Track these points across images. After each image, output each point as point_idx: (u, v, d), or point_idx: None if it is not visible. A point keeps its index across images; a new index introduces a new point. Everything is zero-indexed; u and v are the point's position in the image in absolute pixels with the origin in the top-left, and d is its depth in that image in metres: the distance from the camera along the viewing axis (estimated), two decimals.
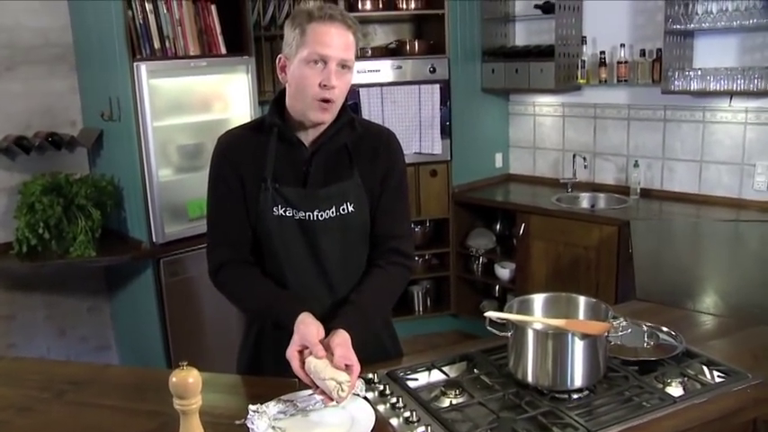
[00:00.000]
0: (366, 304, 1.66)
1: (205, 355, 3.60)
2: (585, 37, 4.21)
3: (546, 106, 4.62)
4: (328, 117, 1.67)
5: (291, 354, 1.51)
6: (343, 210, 1.71)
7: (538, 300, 1.72)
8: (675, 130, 4.00)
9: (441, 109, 4.35)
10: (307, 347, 1.51)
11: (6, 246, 3.46)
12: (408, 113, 4.31)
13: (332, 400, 1.44)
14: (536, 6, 4.29)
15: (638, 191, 4.09)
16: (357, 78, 3.96)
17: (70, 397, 1.66)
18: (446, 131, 4.40)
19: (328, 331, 1.55)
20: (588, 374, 1.54)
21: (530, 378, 1.57)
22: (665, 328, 1.84)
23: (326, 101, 1.62)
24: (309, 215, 1.69)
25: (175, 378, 1.23)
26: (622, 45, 4.02)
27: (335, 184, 1.71)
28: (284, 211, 1.69)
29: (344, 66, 1.63)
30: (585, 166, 4.36)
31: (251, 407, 1.46)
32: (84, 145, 3.72)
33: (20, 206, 3.37)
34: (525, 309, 1.70)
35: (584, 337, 1.52)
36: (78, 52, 3.73)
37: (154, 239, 3.48)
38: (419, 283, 4.65)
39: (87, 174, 3.76)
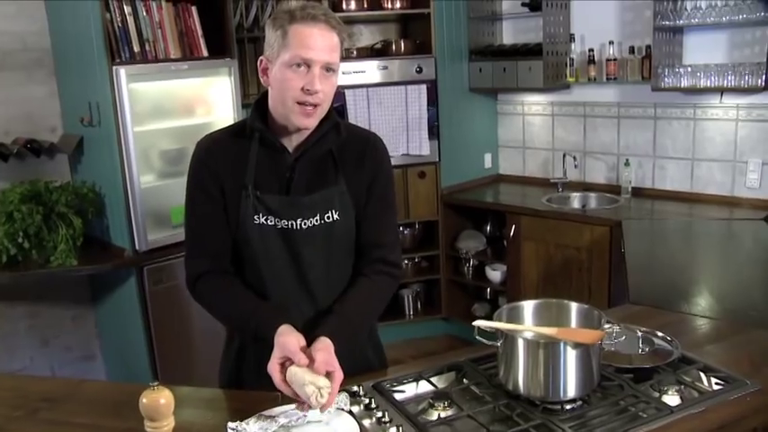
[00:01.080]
0: (350, 315, 1.60)
1: (191, 362, 3.54)
2: (574, 34, 4.16)
3: (535, 105, 4.58)
4: (312, 122, 1.60)
5: (272, 367, 1.46)
6: (328, 218, 1.64)
7: (528, 307, 1.66)
8: (666, 128, 3.96)
9: (428, 109, 4.30)
10: (288, 359, 1.45)
11: None
12: (395, 114, 4.25)
13: (311, 406, 1.38)
14: (523, 4, 4.24)
15: (630, 190, 4.05)
16: (342, 80, 3.90)
17: (44, 415, 1.59)
18: (434, 132, 4.34)
19: (311, 342, 1.49)
20: (582, 384, 1.49)
21: (521, 389, 1.51)
22: (659, 333, 1.79)
23: (310, 105, 1.56)
24: (292, 224, 1.63)
25: (146, 399, 1.17)
26: (611, 42, 3.97)
27: (320, 192, 1.64)
28: (266, 220, 1.63)
29: (329, 69, 1.56)
30: (576, 166, 4.31)
31: (230, 424, 1.40)
32: (64, 151, 3.64)
33: None
34: (515, 316, 1.64)
35: (576, 346, 1.46)
36: (57, 57, 3.65)
37: (137, 247, 3.41)
38: (409, 286, 4.59)
39: (68, 181, 3.67)
